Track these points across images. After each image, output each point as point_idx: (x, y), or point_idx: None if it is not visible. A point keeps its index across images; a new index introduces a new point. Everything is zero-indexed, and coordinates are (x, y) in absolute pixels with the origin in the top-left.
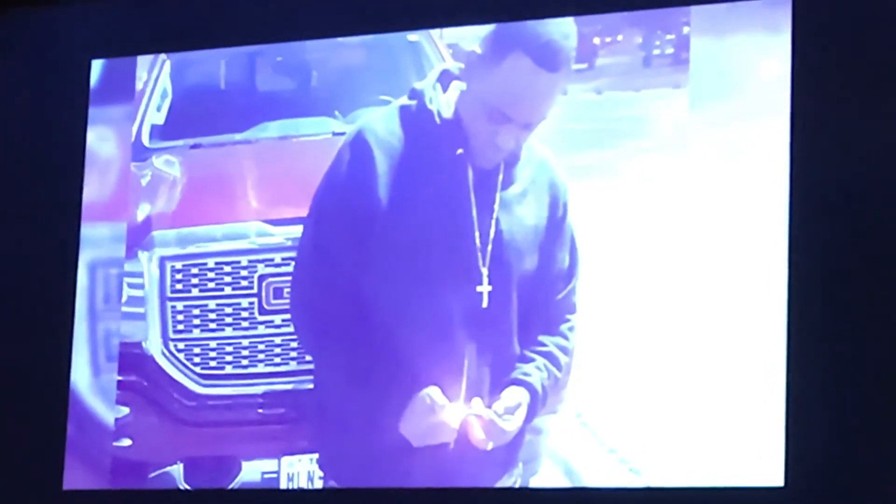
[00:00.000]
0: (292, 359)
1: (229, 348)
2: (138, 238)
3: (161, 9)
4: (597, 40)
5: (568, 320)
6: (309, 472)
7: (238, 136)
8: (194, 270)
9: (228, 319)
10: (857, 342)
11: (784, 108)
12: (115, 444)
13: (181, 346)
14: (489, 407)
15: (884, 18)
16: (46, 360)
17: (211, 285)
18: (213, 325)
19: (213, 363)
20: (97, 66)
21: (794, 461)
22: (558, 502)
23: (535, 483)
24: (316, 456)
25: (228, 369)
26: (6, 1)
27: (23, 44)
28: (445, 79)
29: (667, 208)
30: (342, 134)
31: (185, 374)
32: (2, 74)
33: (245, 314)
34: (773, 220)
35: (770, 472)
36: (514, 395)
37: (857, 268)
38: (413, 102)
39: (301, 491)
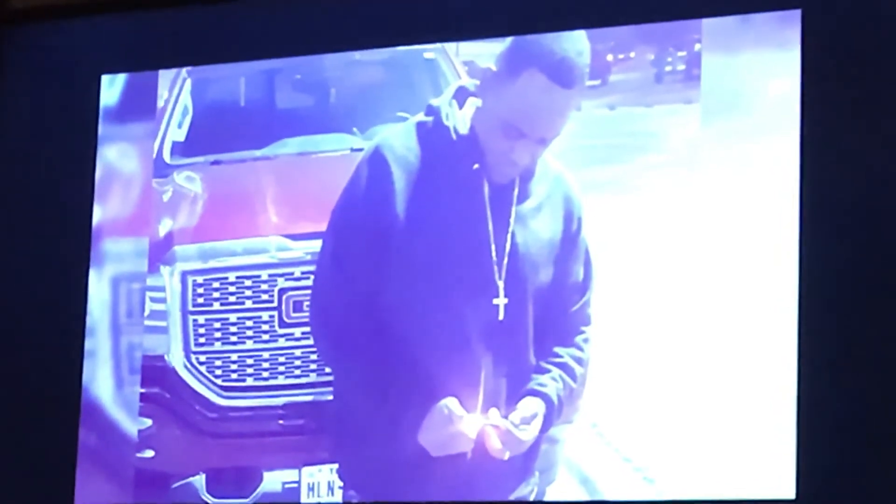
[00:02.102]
0: (312, 371)
1: (250, 361)
2: (160, 253)
3: (170, 24)
4: (610, 57)
5: (583, 332)
6: (329, 482)
7: (258, 153)
8: (215, 284)
9: (249, 332)
10: (868, 356)
11: (794, 124)
12: (138, 455)
13: (203, 358)
14: (506, 417)
15: (893, 35)
16: (57, 375)
17: (232, 299)
18: (234, 338)
19: (234, 375)
20: (119, 83)
21: (806, 473)
22: None
23: (551, 491)
24: (336, 466)
25: (249, 381)
26: (14, 17)
27: (32, 60)
28: (461, 95)
29: (679, 222)
30: (360, 150)
31: (207, 387)
32: (12, 90)
33: (265, 327)
34: (784, 235)
35: (781, 484)
36: (531, 406)
37: (869, 283)
38: (429, 119)
39: None
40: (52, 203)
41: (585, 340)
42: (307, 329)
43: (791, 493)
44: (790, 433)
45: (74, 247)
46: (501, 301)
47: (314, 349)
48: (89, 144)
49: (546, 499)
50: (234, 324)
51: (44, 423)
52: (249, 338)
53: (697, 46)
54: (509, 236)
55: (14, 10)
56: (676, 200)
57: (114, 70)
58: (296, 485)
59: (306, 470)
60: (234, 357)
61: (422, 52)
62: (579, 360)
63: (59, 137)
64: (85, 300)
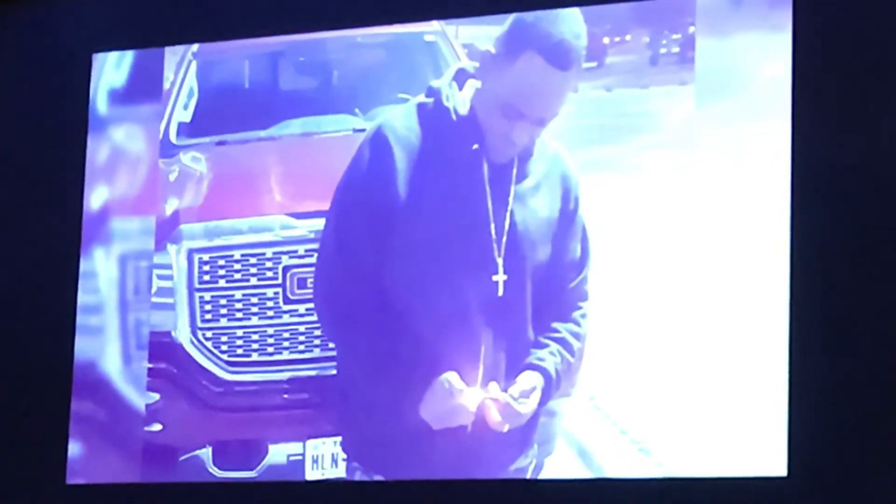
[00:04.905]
0: (316, 346)
1: (255, 336)
2: (167, 231)
3: (161, 2)
4: (606, 40)
5: (580, 307)
6: (333, 455)
7: (262, 133)
8: (221, 262)
9: (254, 309)
10: (858, 333)
11: (786, 105)
12: (146, 428)
13: (209, 334)
14: (505, 391)
15: (882, 18)
16: (50, 355)
17: (237, 276)
18: (239, 315)
19: (239, 351)
20: (125, 65)
21: (797, 451)
22: (571, 492)
23: (549, 463)
24: (339, 439)
25: (254, 356)
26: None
27: (24, 39)
28: (461, 77)
29: (673, 201)
30: (362, 131)
31: (213, 362)
32: (3, 69)
33: (270, 304)
34: (776, 214)
35: (773, 461)
36: (529, 380)
37: (859, 259)
38: (430, 100)
39: (317, 482)
40: (44, 183)
41: (583, 316)
42: (311, 305)
43: (783, 471)
44: (782, 411)
45: (67, 224)
46: (501, 278)
47: (318, 325)
48: (81, 123)
49: (545, 470)
50: (239, 300)
51: (34, 406)
52: (254, 314)
53: (691, 29)
54: (508, 215)
55: None
56: (671, 180)
57: (104, 49)
58: (300, 457)
59: (311, 443)
60: (240, 333)
61: (422, 34)
62: (577, 335)
63: (50, 116)
64: (76, 278)
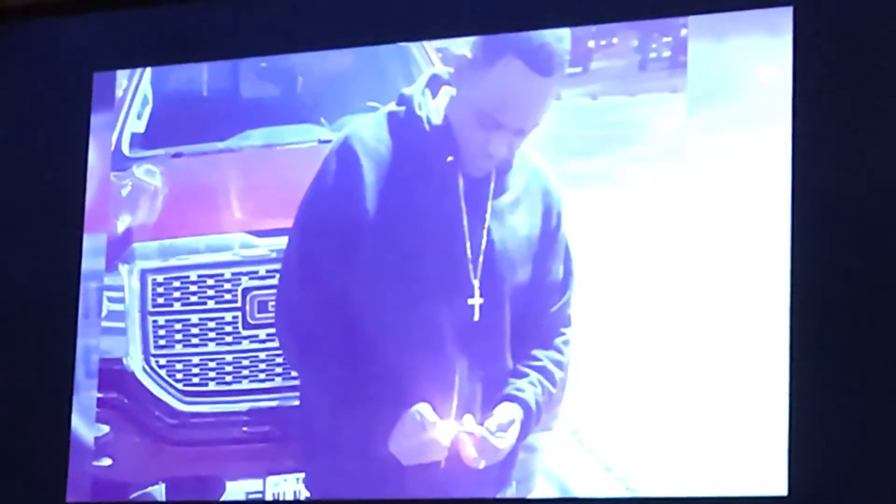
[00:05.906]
0: (277, 375)
1: (212, 364)
2: (119, 250)
3: (163, 21)
4: (591, 43)
5: (563, 334)
6: (295, 492)
7: (221, 145)
8: (176, 284)
9: (211, 334)
10: (859, 350)
11: (785, 113)
12: (94, 463)
13: (163, 361)
14: (481, 424)
15: (887, 23)
16: (49, 371)
17: (193, 299)
18: (195, 340)
19: (195, 380)
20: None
21: (797, 470)
22: None
23: None
24: (302, 475)
25: (212, 386)
26: (8, 15)
27: (25, 57)
28: (435, 84)
29: (664, 217)
30: (328, 142)
31: (167, 391)
32: (4, 86)
33: (229, 329)
34: (775, 229)
35: (773, 480)
36: (507, 412)
37: (860, 274)
38: (401, 109)
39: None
40: (43, 197)
41: (566, 343)
42: (272, 331)
43: (783, 490)
44: (782, 430)
45: (65, 243)
46: (477, 301)
47: (279, 352)
48: (81, 140)
49: None
50: (195, 325)
51: (34, 423)
52: (212, 340)
53: (684, 32)
54: (485, 232)
55: (7, 9)
56: (662, 194)
57: (107, 68)
58: (260, 495)
59: (271, 479)
60: (196, 360)
61: None
62: (559, 364)
63: (51, 133)
64: (77, 295)
